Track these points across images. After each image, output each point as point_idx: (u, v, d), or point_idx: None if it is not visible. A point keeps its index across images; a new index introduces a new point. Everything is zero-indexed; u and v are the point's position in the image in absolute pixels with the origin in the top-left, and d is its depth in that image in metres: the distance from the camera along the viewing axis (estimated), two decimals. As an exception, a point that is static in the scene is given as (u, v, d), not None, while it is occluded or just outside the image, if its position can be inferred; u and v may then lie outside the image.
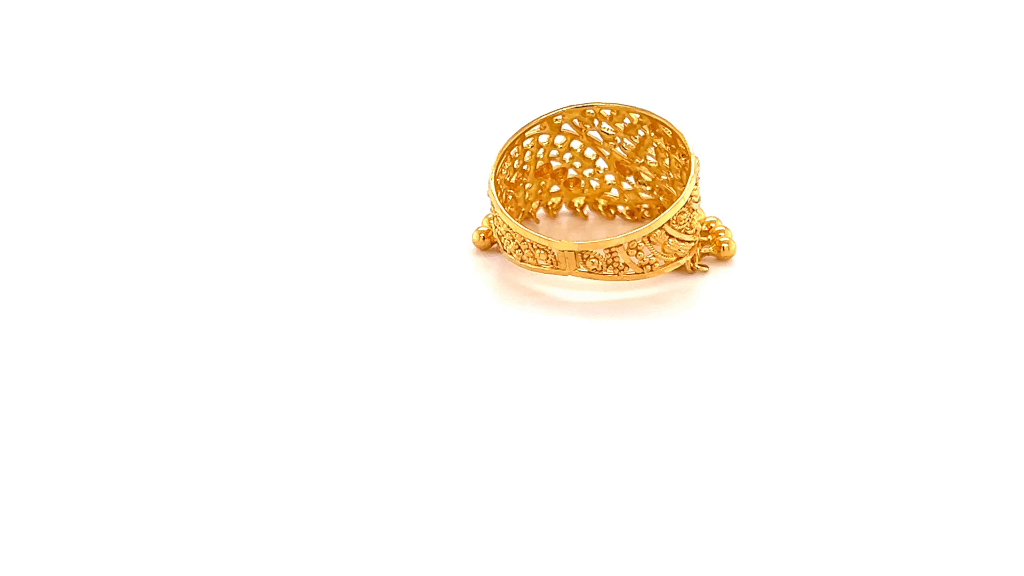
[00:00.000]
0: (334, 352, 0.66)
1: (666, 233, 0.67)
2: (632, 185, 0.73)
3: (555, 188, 0.73)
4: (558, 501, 0.60)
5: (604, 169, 0.73)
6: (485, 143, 0.74)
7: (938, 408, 0.63)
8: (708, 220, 0.71)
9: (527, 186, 0.73)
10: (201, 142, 0.78)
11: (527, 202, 0.73)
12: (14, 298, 0.68)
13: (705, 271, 0.70)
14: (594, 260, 0.67)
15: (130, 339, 0.66)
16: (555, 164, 0.73)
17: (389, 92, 0.82)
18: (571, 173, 0.73)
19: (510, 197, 0.72)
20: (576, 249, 0.67)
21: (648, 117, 0.71)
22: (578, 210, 0.74)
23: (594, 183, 0.73)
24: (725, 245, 0.70)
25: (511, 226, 0.68)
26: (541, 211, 0.74)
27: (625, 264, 0.68)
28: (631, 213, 0.73)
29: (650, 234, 0.67)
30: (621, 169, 0.73)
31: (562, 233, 0.73)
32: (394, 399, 0.63)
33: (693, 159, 0.68)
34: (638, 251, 0.67)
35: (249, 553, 0.57)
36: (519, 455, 0.61)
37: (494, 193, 0.69)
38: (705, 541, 0.58)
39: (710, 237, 0.70)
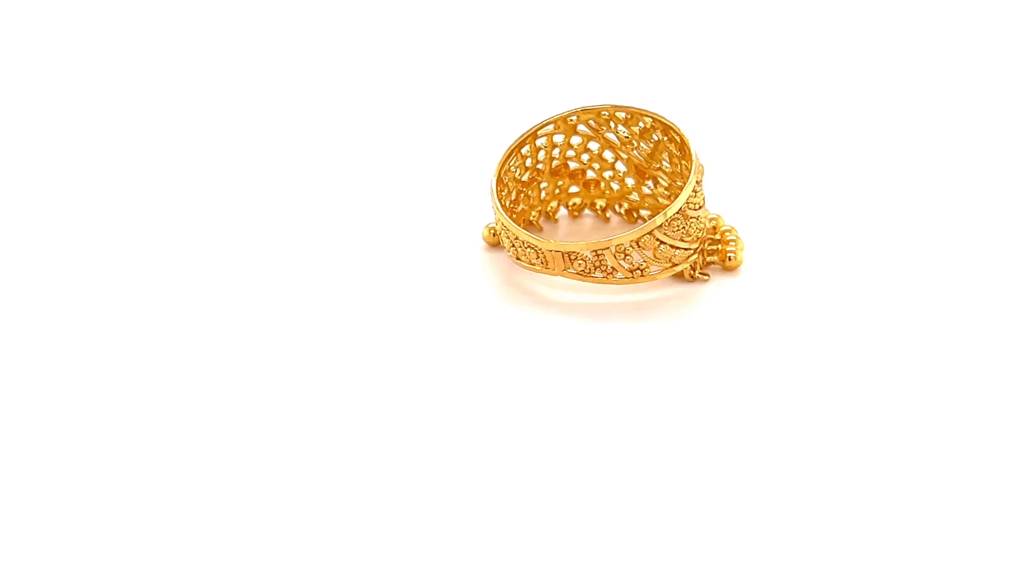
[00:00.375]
0: (333, 342, 0.67)
1: (656, 239, 0.66)
2: (652, 189, 0.72)
3: (574, 189, 0.73)
4: (557, 500, 0.60)
5: (624, 172, 0.72)
6: (506, 141, 0.74)
7: (943, 421, 0.61)
8: (724, 230, 0.69)
9: (543, 185, 0.72)
10: (211, 144, 0.79)
11: (543, 201, 0.73)
12: (15, 299, 0.70)
13: (706, 280, 0.69)
14: (581, 262, 0.67)
15: (141, 340, 0.68)
16: (572, 165, 0.72)
17: (405, 90, 0.83)
18: (589, 175, 0.73)
19: (522, 195, 0.72)
20: (563, 250, 0.67)
21: (660, 122, 0.70)
22: (599, 212, 0.73)
23: (615, 185, 0.73)
24: (731, 255, 0.69)
25: (505, 223, 0.68)
26: (563, 211, 0.73)
27: (613, 268, 0.67)
28: (653, 218, 0.72)
29: (638, 239, 0.66)
30: (640, 173, 0.72)
31: (583, 234, 0.73)
32: (387, 395, 0.64)
33: (694, 166, 0.67)
34: (626, 255, 0.66)
35: (253, 552, 0.59)
36: (504, 455, 0.61)
37: (494, 189, 0.69)
38: (695, 547, 0.58)
39: (719, 246, 0.69)
